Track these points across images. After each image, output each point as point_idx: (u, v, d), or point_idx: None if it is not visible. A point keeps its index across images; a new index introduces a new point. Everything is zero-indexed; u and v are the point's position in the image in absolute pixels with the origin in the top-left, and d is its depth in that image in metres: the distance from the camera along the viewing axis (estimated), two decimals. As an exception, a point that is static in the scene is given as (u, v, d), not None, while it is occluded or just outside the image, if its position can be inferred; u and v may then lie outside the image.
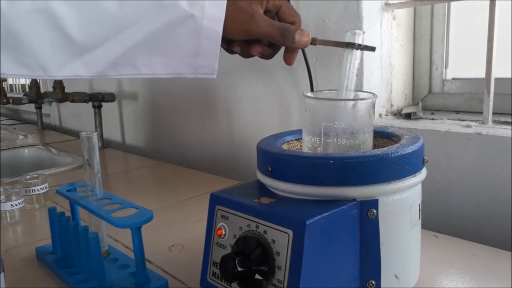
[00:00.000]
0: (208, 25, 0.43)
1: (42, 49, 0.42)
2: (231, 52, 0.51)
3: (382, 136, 0.52)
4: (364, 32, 0.47)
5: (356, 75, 0.47)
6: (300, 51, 0.53)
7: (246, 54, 0.51)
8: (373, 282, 0.42)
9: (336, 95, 0.47)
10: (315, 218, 0.37)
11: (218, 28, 0.44)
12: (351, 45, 0.46)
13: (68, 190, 0.59)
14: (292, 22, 0.49)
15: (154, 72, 0.45)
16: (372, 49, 0.47)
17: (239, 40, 0.49)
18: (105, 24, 0.42)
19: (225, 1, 0.43)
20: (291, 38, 0.46)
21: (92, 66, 0.44)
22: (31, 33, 0.41)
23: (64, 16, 0.41)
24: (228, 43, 0.50)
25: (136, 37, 0.43)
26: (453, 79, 0.82)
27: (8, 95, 1.69)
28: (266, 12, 0.48)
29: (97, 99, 1.40)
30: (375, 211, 0.41)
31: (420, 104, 0.83)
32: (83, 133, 0.54)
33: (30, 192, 0.83)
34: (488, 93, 0.68)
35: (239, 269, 0.38)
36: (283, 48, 0.51)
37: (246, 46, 0.50)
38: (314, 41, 0.48)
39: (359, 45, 0.46)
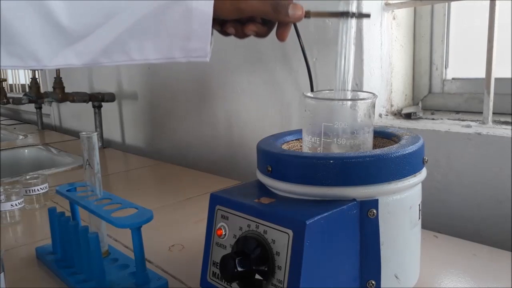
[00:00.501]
0: (198, 7, 0.43)
1: (33, 39, 0.42)
2: (226, 34, 0.50)
3: (382, 136, 0.52)
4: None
5: (354, 44, 0.46)
6: (300, 52, 0.53)
7: (241, 34, 0.50)
8: (373, 282, 0.42)
9: (335, 68, 0.46)
10: (315, 218, 0.37)
11: (208, 9, 0.44)
12: (345, 14, 0.45)
13: (68, 190, 0.59)
14: None
15: (145, 57, 0.45)
16: (367, 16, 0.47)
17: (232, 20, 0.48)
18: (95, 12, 0.42)
19: None
20: (285, 13, 0.46)
21: (84, 54, 0.44)
22: (22, 23, 0.41)
23: (54, 5, 0.41)
24: (221, 25, 0.49)
25: (127, 23, 0.43)
26: (453, 79, 0.82)
27: (8, 95, 1.69)
28: None
29: (97, 99, 1.40)
30: (375, 211, 0.41)
31: (420, 104, 0.83)
32: (83, 133, 0.54)
33: (30, 192, 0.83)
34: (488, 93, 0.68)
35: (239, 269, 0.38)
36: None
37: (240, 26, 0.49)
38: (308, 14, 0.48)
39: (354, 13, 0.45)
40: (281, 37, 0.50)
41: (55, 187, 0.62)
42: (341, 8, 0.46)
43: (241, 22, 0.49)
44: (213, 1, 0.43)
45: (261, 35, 0.50)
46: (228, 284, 0.42)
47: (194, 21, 0.44)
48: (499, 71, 0.68)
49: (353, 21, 0.46)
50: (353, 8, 0.45)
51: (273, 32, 0.50)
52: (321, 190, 0.40)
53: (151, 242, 0.56)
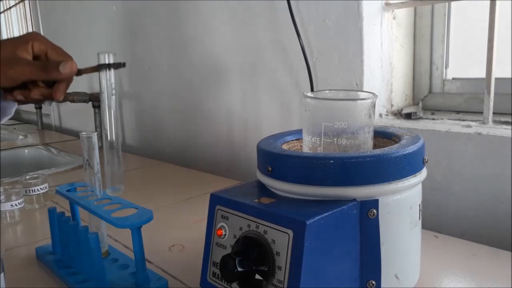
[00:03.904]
0: None
1: None
2: (18, 101, 0.53)
3: (382, 136, 0.52)
4: (115, 53, 0.52)
5: (113, 95, 0.52)
6: (300, 52, 0.53)
7: (30, 100, 0.52)
8: (373, 282, 0.42)
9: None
10: (315, 218, 0.37)
11: None
12: (103, 67, 0.51)
13: (68, 190, 0.59)
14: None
15: None
16: (122, 65, 0.52)
17: (18, 87, 0.50)
18: None
19: None
20: (55, 71, 0.49)
21: None
22: None
23: None
24: (11, 93, 0.51)
25: None
26: (453, 79, 0.82)
27: (8, 95, 1.69)
28: (36, 57, 0.51)
29: (97, 99, 1.39)
30: (375, 211, 0.41)
31: (420, 104, 0.83)
32: (83, 133, 0.54)
33: (30, 192, 0.83)
34: (489, 93, 0.68)
35: (239, 269, 0.38)
36: None
37: (28, 92, 0.51)
38: (79, 72, 0.53)
39: (109, 64, 0.51)
40: (56, 94, 0.52)
41: (55, 187, 0.62)
42: (99, 61, 0.51)
43: (28, 88, 0.51)
44: None
45: (48, 97, 0.52)
46: (228, 284, 0.42)
47: None
48: (499, 71, 0.68)
49: (111, 72, 0.51)
50: (109, 60, 0.51)
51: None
52: (321, 190, 0.40)
53: (151, 242, 0.56)
